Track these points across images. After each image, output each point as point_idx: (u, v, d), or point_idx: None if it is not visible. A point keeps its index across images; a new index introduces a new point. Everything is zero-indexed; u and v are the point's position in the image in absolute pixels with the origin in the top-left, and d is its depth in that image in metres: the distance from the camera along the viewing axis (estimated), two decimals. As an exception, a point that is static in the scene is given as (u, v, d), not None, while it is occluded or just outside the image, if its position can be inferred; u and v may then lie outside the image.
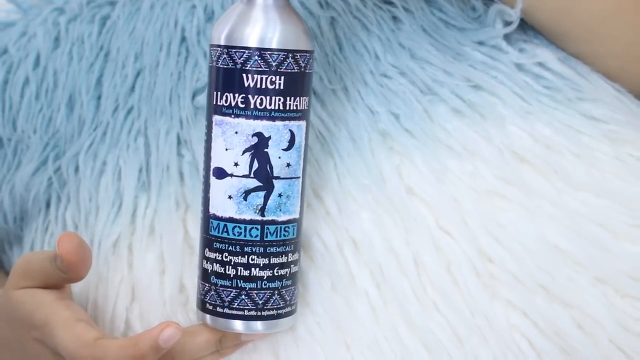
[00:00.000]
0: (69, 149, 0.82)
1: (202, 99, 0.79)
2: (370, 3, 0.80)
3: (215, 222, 0.69)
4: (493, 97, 0.77)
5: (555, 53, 0.79)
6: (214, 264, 0.70)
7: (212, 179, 0.69)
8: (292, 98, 0.68)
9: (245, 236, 0.69)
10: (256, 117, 0.68)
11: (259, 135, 0.68)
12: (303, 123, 0.69)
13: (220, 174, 0.69)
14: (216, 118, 0.69)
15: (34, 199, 0.83)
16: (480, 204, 0.74)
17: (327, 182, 0.75)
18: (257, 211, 0.69)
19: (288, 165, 0.69)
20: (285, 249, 0.69)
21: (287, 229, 0.69)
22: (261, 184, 0.69)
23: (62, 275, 0.70)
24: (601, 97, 0.79)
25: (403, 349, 0.71)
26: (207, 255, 0.70)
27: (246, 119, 0.68)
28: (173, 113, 0.79)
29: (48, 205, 0.83)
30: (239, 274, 0.69)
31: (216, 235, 0.69)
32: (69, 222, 0.81)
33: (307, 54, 0.69)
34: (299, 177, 0.69)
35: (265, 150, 0.68)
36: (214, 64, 0.69)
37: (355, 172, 0.75)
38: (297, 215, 0.70)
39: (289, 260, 0.70)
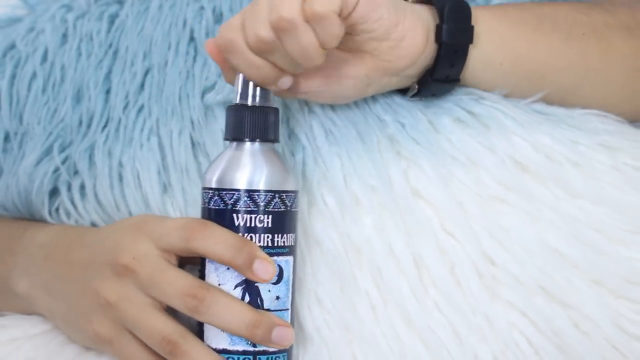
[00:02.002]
0: (77, 139, 0.84)
1: (211, 97, 0.81)
2: None
3: None
4: (495, 109, 0.79)
5: None
6: None
7: None
8: (280, 235, 0.72)
9: None
10: None
11: None
12: (290, 258, 0.73)
13: None
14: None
15: (37, 190, 0.84)
16: (484, 208, 0.76)
17: (333, 184, 0.77)
18: (249, 342, 0.71)
19: (277, 298, 0.72)
20: None
21: (277, 358, 0.72)
22: None
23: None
24: (590, 113, 0.82)
25: (401, 346, 0.74)
26: None
27: None
28: (184, 113, 0.81)
29: (53, 193, 0.84)
30: None
31: None
32: (98, 220, 0.83)
33: (293, 194, 0.73)
34: (288, 309, 0.73)
35: (256, 284, 0.71)
36: (206, 205, 0.73)
37: (362, 172, 0.77)
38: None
39: None
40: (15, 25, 0.91)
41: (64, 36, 0.88)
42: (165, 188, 0.80)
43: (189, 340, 0.71)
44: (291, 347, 0.73)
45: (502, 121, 0.79)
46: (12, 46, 0.89)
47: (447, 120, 0.79)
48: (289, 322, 0.73)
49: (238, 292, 0.71)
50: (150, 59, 0.84)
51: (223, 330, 0.71)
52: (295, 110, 0.80)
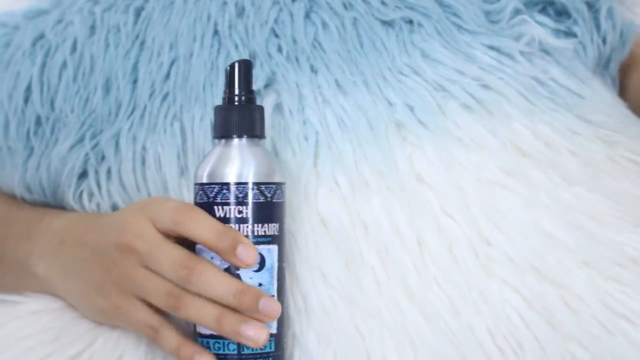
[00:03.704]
0: (106, 128, 0.87)
1: None
2: (392, 5, 0.87)
3: (200, 340, 0.77)
4: (500, 96, 0.83)
5: (563, 72, 0.86)
6: None
7: None
8: (260, 225, 0.76)
9: (224, 350, 0.76)
10: None
11: None
12: (274, 247, 0.77)
13: None
14: (197, 245, 0.77)
15: (68, 173, 0.88)
16: (483, 192, 0.80)
17: (345, 167, 0.81)
18: None
19: (260, 285, 0.76)
20: None
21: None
22: None
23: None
24: (598, 105, 0.86)
25: (402, 318, 0.78)
26: None
27: None
28: (207, 100, 0.85)
29: (80, 176, 0.89)
30: None
31: None
32: (119, 201, 0.87)
33: (274, 186, 0.77)
34: (273, 296, 0.76)
35: (237, 272, 0.76)
36: (195, 199, 0.78)
37: (371, 158, 0.81)
38: (274, 330, 0.76)
39: None
40: (43, 16, 0.95)
41: (92, 28, 0.91)
42: (183, 171, 0.84)
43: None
44: (279, 332, 0.77)
45: (505, 108, 0.83)
46: (42, 36, 0.93)
47: (454, 104, 0.83)
48: None
49: None
50: (176, 50, 0.87)
51: (212, 298, 0.75)
52: (311, 100, 0.84)
